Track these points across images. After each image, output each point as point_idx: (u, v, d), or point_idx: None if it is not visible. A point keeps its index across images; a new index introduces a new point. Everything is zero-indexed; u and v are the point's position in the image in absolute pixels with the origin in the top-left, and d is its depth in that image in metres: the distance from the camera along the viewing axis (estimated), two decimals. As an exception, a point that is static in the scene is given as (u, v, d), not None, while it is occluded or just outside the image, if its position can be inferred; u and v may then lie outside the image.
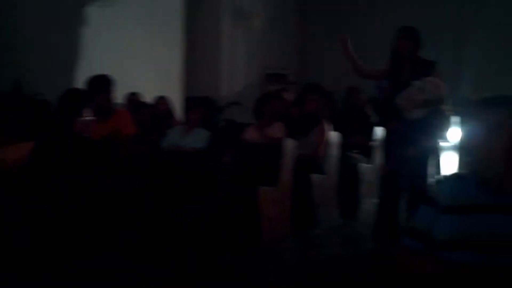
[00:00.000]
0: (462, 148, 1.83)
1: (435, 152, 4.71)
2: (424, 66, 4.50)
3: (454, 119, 8.15)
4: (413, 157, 4.48)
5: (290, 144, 5.05)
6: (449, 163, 8.05)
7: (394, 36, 4.62)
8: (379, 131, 6.46)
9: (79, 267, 3.66)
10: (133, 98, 6.76)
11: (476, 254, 1.82)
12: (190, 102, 6.05)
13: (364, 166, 6.25)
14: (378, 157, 6.45)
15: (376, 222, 4.81)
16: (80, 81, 6.74)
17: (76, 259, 3.65)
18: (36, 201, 3.69)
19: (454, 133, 8.14)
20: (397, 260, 2.05)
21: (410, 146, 4.46)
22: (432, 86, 4.32)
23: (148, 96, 6.87)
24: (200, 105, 5.93)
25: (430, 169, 4.55)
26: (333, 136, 5.72)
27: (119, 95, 6.69)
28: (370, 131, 6.44)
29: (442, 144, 7.90)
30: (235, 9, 10.47)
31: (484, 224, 1.84)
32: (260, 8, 10.77)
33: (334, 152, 5.73)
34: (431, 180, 7.60)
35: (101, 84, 4.81)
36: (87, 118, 4.04)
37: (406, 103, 4.33)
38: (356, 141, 6.39)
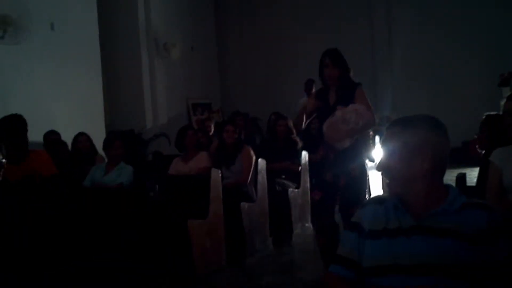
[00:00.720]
0: (381, 169, 1.84)
1: (364, 174, 4.66)
2: (349, 89, 4.35)
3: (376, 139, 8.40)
4: (344, 184, 4.32)
5: (216, 174, 4.97)
6: (375, 183, 8.21)
7: (320, 61, 4.40)
8: (305, 156, 6.54)
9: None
10: (50, 137, 6.50)
11: (406, 278, 1.79)
12: (111, 136, 5.85)
13: (293, 191, 6.26)
14: (305, 181, 6.53)
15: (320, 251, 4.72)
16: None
17: None
18: None
19: (377, 153, 8.34)
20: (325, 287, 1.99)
21: (339, 173, 4.28)
22: (356, 115, 4.10)
23: (70, 133, 6.63)
24: (122, 139, 5.76)
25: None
26: (260, 162, 5.70)
27: (39, 134, 6.46)
28: (296, 156, 6.48)
29: (368, 164, 8.10)
30: (153, 40, 10.41)
31: (407, 247, 1.82)
32: (177, 38, 10.75)
33: (262, 178, 5.70)
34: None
35: (12, 125, 4.56)
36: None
37: (331, 132, 4.15)
38: (283, 167, 6.41)
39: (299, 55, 11.87)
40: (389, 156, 1.91)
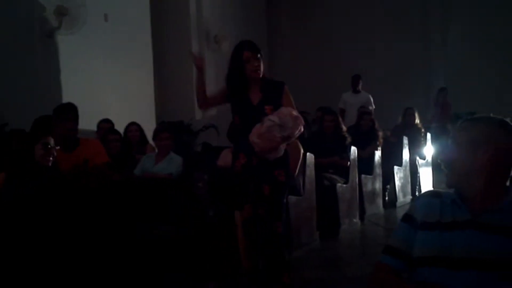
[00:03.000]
0: (444, 161, 1.88)
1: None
2: (274, 88, 3.87)
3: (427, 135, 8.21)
4: (268, 196, 3.77)
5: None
6: (425, 180, 8.08)
7: (236, 52, 3.88)
8: (354, 151, 6.49)
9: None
10: (103, 125, 6.62)
11: (455, 271, 1.80)
12: (160, 128, 5.92)
13: (341, 186, 6.22)
14: (353, 176, 6.48)
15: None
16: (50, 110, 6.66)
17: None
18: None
19: (429, 150, 8.18)
20: (373, 278, 2.01)
21: (262, 181, 3.76)
22: (291, 120, 3.63)
23: (122, 123, 6.75)
24: (172, 130, 5.82)
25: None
26: (308, 156, 5.67)
27: (91, 123, 6.60)
28: (345, 151, 6.44)
29: (419, 161, 7.99)
30: (204, 32, 10.46)
31: (460, 241, 1.83)
32: (228, 30, 10.78)
33: (310, 172, 5.68)
34: (409, 197, 7.69)
35: (64, 112, 4.67)
36: (48, 146, 3.97)
37: (263, 143, 3.61)
38: (332, 162, 6.37)
39: (348, 50, 11.78)
40: (453, 148, 1.93)
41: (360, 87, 9.71)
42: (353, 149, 6.51)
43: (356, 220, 6.52)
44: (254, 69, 3.79)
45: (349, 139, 6.52)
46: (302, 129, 3.75)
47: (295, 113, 3.66)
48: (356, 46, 11.62)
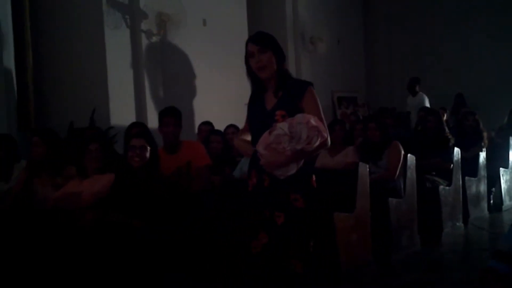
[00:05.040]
0: None
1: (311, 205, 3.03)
2: (294, 90, 3.08)
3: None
4: (283, 222, 2.99)
5: (364, 168, 4.92)
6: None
7: (245, 46, 3.17)
8: (457, 152, 6.28)
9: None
10: (204, 128, 6.79)
11: None
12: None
13: (444, 189, 6.05)
14: (457, 179, 6.27)
15: None
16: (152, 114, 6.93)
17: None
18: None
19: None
20: (481, 282, 1.96)
21: (276, 207, 3.00)
22: (308, 129, 2.82)
23: (220, 126, 6.90)
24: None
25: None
26: (409, 158, 5.55)
27: (190, 125, 6.80)
28: (448, 153, 6.25)
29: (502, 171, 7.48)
30: (299, 34, 10.49)
31: None
32: (324, 31, 10.75)
33: (411, 174, 5.55)
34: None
35: (165, 116, 4.85)
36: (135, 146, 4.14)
37: (270, 155, 2.86)
38: (434, 164, 6.20)
39: (448, 50, 11.43)
40: None
41: (417, 88, 9.73)
42: (457, 150, 6.31)
43: (460, 224, 6.31)
44: (257, 66, 3.08)
45: (452, 141, 6.33)
46: (321, 146, 2.89)
47: (313, 121, 2.84)
48: (457, 46, 11.23)
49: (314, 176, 3.08)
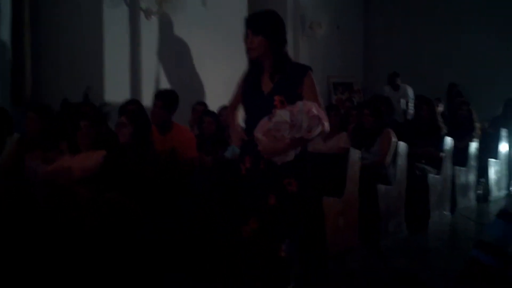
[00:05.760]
0: None
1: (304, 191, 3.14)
2: (293, 74, 3.06)
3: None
4: (274, 204, 3.03)
5: (355, 154, 4.96)
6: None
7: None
8: (451, 142, 6.32)
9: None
10: (198, 108, 6.80)
11: None
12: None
13: (433, 177, 6.10)
14: (446, 168, 6.31)
15: None
16: (147, 92, 6.93)
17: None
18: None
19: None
20: (464, 272, 1.99)
21: (270, 192, 3.03)
22: (309, 119, 2.82)
23: (217, 107, 6.92)
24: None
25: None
26: (401, 145, 5.59)
27: (186, 105, 6.81)
28: (439, 142, 6.29)
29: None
30: (299, 19, 10.46)
31: None
32: (324, 16, 10.72)
33: (402, 162, 5.60)
34: (503, 192, 7.38)
35: (155, 98, 4.92)
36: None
37: (270, 142, 2.86)
38: (426, 152, 6.25)
39: (448, 40, 11.40)
40: None
41: (398, 81, 9.85)
42: (449, 139, 6.34)
43: (447, 212, 6.36)
44: (246, 47, 3.08)
45: (444, 130, 6.36)
46: (323, 129, 2.91)
47: (314, 110, 2.83)
48: (458, 37, 11.19)
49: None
